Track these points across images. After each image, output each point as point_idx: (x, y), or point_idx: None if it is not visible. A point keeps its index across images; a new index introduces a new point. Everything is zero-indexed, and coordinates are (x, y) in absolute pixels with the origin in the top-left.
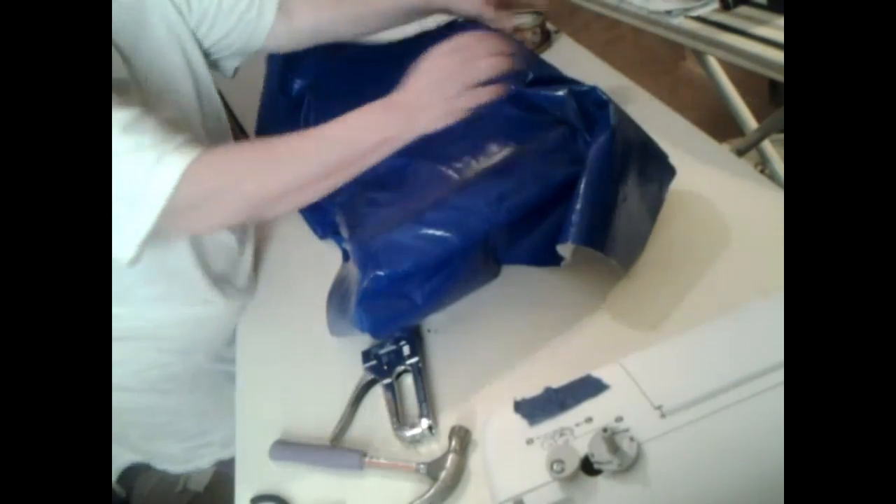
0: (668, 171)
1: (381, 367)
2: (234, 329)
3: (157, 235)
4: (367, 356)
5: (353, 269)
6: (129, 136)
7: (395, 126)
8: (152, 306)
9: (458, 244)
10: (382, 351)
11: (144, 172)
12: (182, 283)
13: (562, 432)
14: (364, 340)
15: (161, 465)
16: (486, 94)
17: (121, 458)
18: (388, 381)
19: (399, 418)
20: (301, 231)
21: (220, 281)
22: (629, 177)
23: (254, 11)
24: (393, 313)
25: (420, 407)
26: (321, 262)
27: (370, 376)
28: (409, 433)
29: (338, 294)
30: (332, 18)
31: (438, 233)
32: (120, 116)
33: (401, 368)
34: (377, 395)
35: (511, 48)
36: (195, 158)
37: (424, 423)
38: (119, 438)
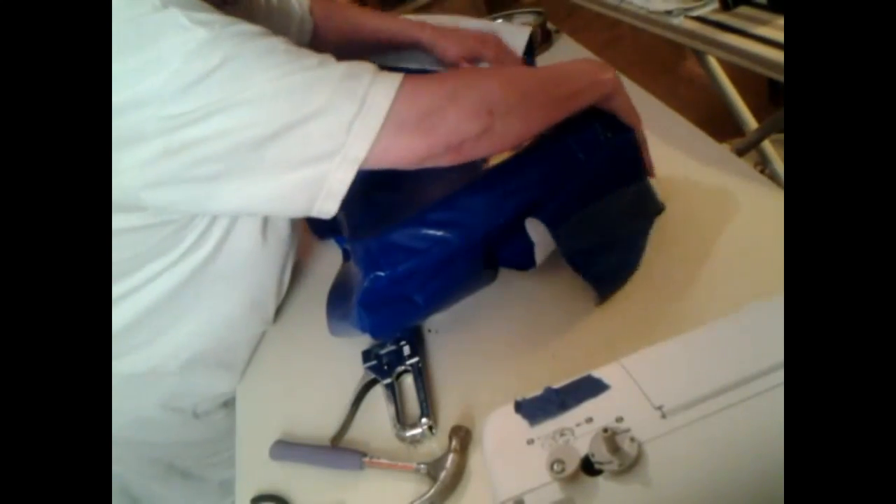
0: (656, 207)
1: (381, 367)
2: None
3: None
4: (367, 356)
5: (355, 269)
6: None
7: (606, 73)
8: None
9: (460, 244)
10: (383, 351)
11: (364, 86)
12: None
13: (562, 432)
14: (364, 340)
15: None
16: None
17: None
18: (388, 381)
19: (399, 418)
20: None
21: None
22: (623, 201)
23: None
24: (394, 314)
25: (420, 407)
26: (321, 262)
27: (370, 376)
28: (410, 433)
29: (338, 294)
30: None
31: (439, 233)
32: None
33: (401, 368)
34: (377, 395)
35: None
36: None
37: (425, 422)
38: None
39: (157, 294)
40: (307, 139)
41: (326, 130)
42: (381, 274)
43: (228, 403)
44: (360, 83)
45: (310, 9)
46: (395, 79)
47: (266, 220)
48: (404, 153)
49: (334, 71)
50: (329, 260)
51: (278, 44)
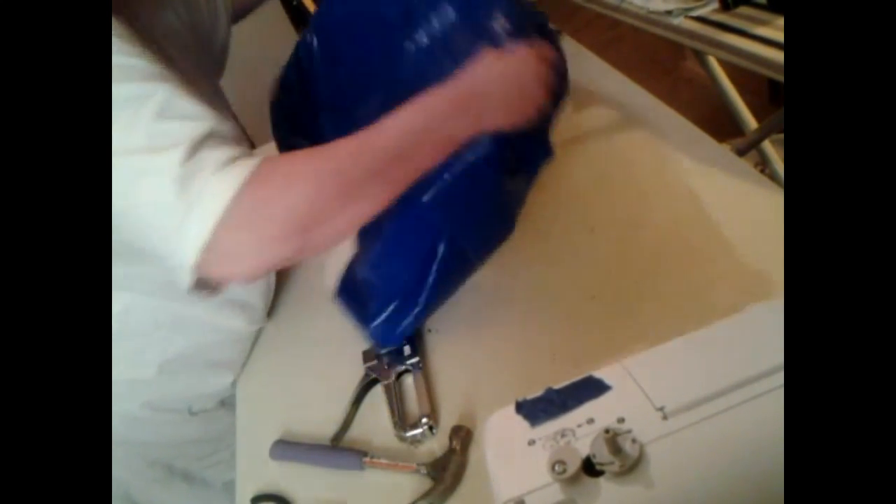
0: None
1: (381, 367)
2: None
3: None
4: (367, 356)
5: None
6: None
7: (462, 127)
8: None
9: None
10: (383, 351)
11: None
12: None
13: (563, 433)
14: (364, 341)
15: None
16: (553, 111)
17: None
18: (388, 381)
19: (400, 418)
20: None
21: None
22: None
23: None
24: (402, 325)
25: (420, 406)
26: (321, 262)
27: (371, 376)
28: (410, 433)
29: (351, 283)
30: None
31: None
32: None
33: (401, 368)
34: (378, 395)
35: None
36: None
37: (425, 422)
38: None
39: (124, 303)
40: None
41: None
42: (379, 324)
43: (227, 401)
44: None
45: None
46: (213, 204)
47: None
48: (229, 276)
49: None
50: (329, 260)
51: (151, 105)
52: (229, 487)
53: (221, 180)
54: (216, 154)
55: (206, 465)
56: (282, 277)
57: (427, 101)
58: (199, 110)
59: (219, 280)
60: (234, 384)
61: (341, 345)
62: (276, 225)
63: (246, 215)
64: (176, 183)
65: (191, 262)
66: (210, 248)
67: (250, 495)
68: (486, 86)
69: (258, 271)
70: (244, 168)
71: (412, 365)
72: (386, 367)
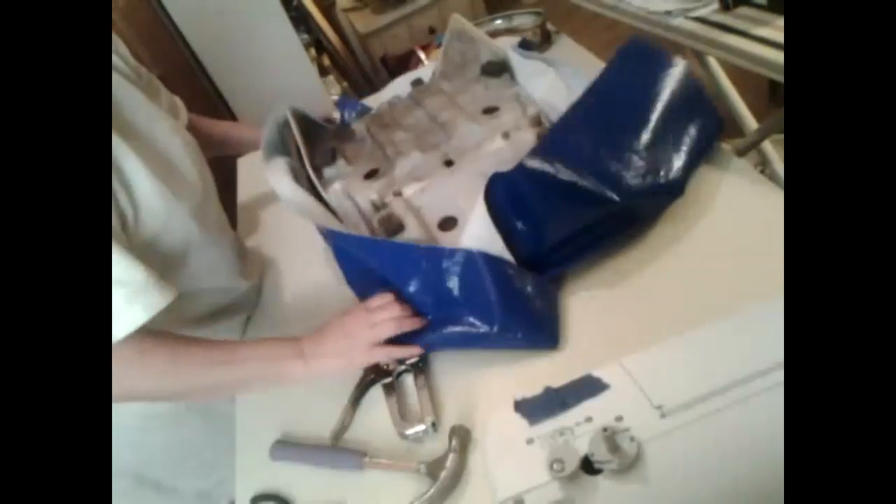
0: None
1: (381, 366)
2: None
3: None
4: None
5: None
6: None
7: (293, 369)
8: None
9: None
10: None
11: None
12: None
13: (562, 432)
14: None
15: None
16: (384, 354)
17: None
18: (388, 380)
19: (400, 417)
20: (302, 232)
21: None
22: None
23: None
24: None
25: (421, 405)
26: (321, 263)
27: (370, 376)
28: (412, 430)
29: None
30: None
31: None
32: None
33: (401, 368)
34: (377, 395)
35: (409, 311)
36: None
37: (428, 420)
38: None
39: None
40: None
41: None
42: None
43: (192, 406)
44: None
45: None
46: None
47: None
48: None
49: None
50: (330, 260)
51: None
52: (203, 497)
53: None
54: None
55: (177, 473)
56: (282, 279)
57: (279, 347)
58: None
59: None
60: None
61: None
62: (142, 390)
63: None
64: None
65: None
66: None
67: (250, 495)
68: (323, 336)
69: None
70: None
71: (411, 365)
72: (385, 366)
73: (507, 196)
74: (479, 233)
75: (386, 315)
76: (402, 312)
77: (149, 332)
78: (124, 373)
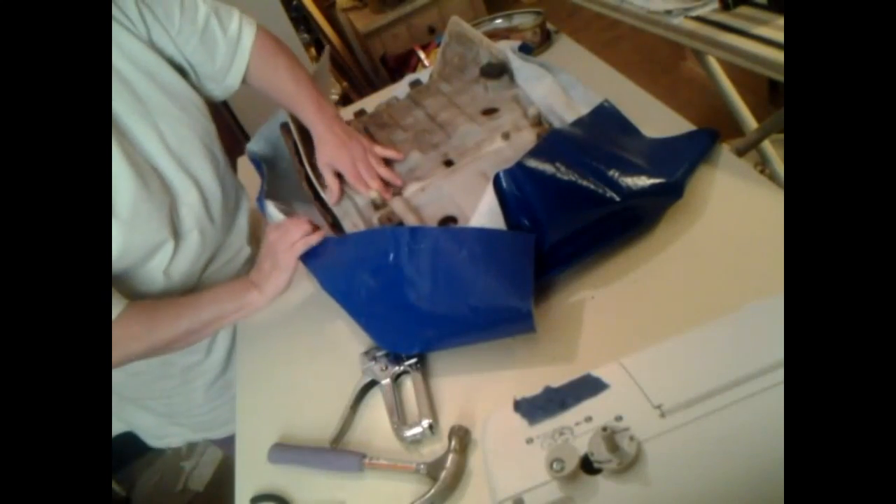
0: None
1: (380, 368)
2: None
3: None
4: (366, 357)
5: None
6: None
7: (251, 297)
8: None
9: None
10: (381, 352)
11: None
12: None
13: (561, 431)
14: (363, 342)
15: (141, 435)
16: (302, 244)
17: None
18: (387, 381)
19: (400, 418)
20: None
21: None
22: None
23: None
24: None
25: (419, 406)
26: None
27: (369, 377)
28: (410, 433)
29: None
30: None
31: None
32: None
33: (400, 369)
34: (377, 396)
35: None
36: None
37: (425, 422)
38: None
39: None
40: None
41: None
42: None
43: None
44: None
45: (250, 55)
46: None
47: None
48: None
49: None
50: None
51: None
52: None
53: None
54: None
55: (163, 422)
56: None
57: (233, 285)
58: None
59: None
60: None
61: (341, 346)
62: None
63: None
64: None
65: None
66: None
67: (250, 495)
68: (259, 265)
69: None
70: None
71: (410, 366)
72: (385, 368)
73: (509, 194)
74: (486, 213)
75: (288, 223)
76: (301, 220)
77: (124, 310)
78: (116, 345)
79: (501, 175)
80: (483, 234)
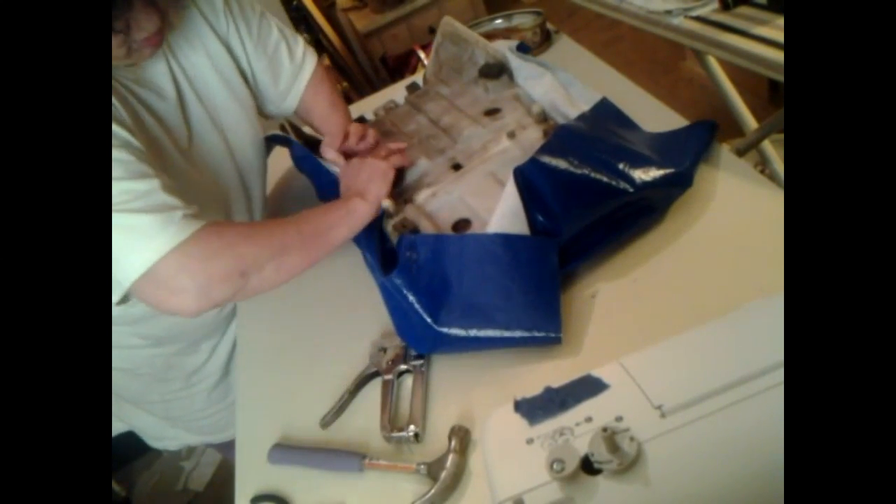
0: None
1: (385, 361)
2: (212, 323)
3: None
4: (375, 347)
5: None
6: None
7: (357, 205)
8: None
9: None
10: (392, 345)
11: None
12: None
13: (562, 432)
14: (365, 336)
15: (141, 434)
16: (398, 158)
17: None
18: (389, 377)
19: (389, 418)
20: None
21: None
22: None
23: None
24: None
25: (412, 411)
26: (322, 263)
27: (372, 368)
28: (395, 435)
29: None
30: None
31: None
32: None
33: (403, 368)
34: (376, 395)
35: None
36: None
37: (412, 429)
38: None
39: None
40: None
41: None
42: None
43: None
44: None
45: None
46: (174, 237)
47: None
48: (170, 307)
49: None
50: (330, 261)
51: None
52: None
53: (182, 227)
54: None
55: (162, 424)
56: None
57: (333, 202)
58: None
59: (158, 307)
60: None
61: (340, 347)
62: (221, 268)
63: (195, 257)
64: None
65: (126, 284)
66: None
67: (250, 495)
68: (356, 177)
69: (200, 306)
70: (198, 223)
71: (415, 367)
72: (390, 362)
73: (525, 190)
74: (508, 213)
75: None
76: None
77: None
78: (218, 247)
79: (517, 172)
80: (509, 240)
